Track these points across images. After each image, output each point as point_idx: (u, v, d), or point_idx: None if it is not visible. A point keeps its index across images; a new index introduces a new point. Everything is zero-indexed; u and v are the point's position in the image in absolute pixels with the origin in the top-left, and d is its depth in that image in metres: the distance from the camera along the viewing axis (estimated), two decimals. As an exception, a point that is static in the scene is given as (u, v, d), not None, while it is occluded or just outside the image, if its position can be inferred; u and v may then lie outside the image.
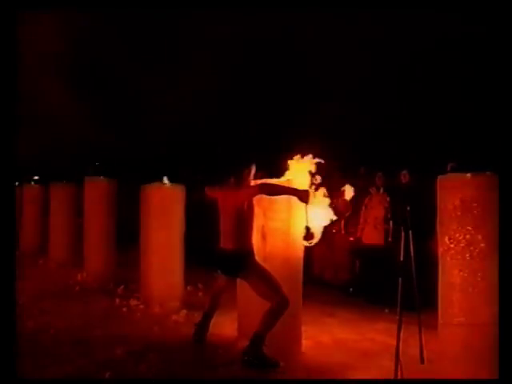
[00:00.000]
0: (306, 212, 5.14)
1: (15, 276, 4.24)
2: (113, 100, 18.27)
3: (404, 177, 8.32)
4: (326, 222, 5.34)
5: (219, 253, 5.43)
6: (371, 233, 8.30)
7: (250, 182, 5.43)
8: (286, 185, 5.33)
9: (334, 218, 5.36)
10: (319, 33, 14.75)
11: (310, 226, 5.16)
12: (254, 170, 5.48)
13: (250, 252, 5.26)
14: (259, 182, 5.46)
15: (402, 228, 5.01)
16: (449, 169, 7.65)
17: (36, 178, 13.29)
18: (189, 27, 15.91)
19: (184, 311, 6.85)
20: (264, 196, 5.24)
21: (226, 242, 5.33)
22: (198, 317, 5.90)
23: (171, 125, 17.09)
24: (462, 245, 4.19)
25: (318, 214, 5.29)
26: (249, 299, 5.36)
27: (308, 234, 5.17)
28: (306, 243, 5.30)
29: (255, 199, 5.33)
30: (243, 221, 5.22)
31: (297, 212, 5.42)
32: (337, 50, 14.58)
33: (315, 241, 5.27)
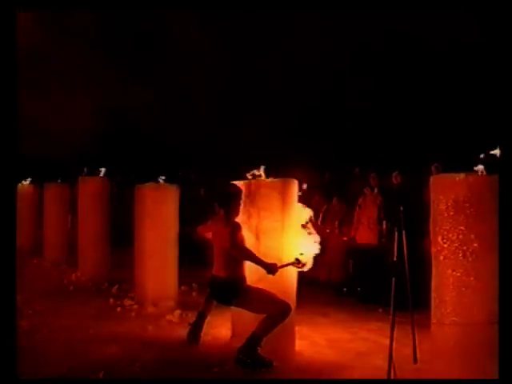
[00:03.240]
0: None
1: (15, 277, 4.22)
2: (109, 99, 18.23)
3: (395, 178, 8.34)
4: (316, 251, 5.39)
5: (212, 280, 5.45)
6: (365, 233, 8.30)
7: (238, 212, 5.43)
8: (279, 184, 5.38)
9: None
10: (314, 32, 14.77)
11: (303, 252, 5.24)
12: (241, 199, 5.47)
13: (241, 280, 5.27)
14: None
15: (396, 228, 5.02)
16: (433, 170, 7.70)
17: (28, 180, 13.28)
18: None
19: (178, 311, 6.83)
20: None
21: (218, 270, 5.35)
22: (192, 317, 5.90)
23: (166, 124, 17.08)
24: (455, 245, 4.19)
25: (310, 243, 5.36)
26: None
27: (298, 262, 5.25)
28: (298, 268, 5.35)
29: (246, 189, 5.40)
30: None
31: (291, 212, 5.44)
32: (331, 50, 14.59)
33: (306, 268, 5.32)
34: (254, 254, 5.16)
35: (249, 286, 5.25)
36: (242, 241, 5.23)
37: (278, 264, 5.17)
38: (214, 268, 5.41)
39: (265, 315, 5.05)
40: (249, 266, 5.30)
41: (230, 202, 5.40)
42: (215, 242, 5.43)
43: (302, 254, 5.27)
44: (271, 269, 5.11)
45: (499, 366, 3.79)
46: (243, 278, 5.28)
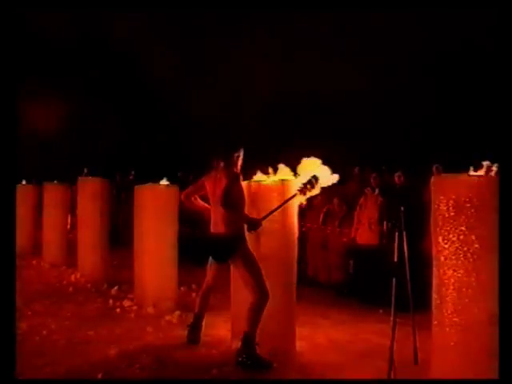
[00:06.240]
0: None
1: (14, 277, 4.24)
2: (104, 99, 18.32)
3: (399, 178, 8.34)
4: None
5: (210, 238, 5.43)
6: (365, 233, 8.31)
7: (239, 166, 5.45)
8: (279, 185, 5.41)
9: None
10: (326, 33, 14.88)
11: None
12: (242, 153, 5.48)
13: (241, 236, 5.26)
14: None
15: (396, 228, 5.02)
16: (434, 170, 7.72)
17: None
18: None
19: (178, 312, 6.83)
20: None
21: (217, 228, 5.33)
22: (191, 318, 5.90)
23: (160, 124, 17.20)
24: (455, 245, 4.18)
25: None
26: (242, 299, 5.35)
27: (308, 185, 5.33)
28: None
29: (246, 190, 5.40)
30: (234, 206, 5.23)
31: (292, 213, 5.45)
32: (337, 52, 14.70)
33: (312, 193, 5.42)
34: (241, 210, 5.22)
35: (248, 248, 5.25)
36: (239, 193, 5.25)
37: (263, 215, 5.23)
38: (212, 227, 5.38)
39: (246, 312, 5.06)
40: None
41: (229, 153, 5.41)
42: (213, 198, 5.41)
43: (312, 179, 5.36)
44: (254, 225, 5.16)
45: (499, 365, 3.80)
46: (243, 236, 5.27)
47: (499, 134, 4.18)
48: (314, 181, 5.36)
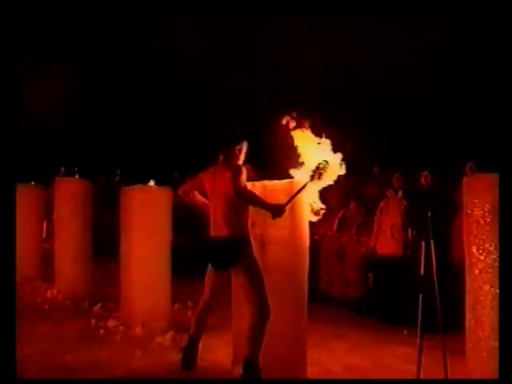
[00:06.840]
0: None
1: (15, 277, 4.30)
2: (90, 95, 18.45)
3: (425, 178, 8.31)
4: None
5: (211, 242, 5.42)
6: (387, 242, 8.28)
7: (241, 161, 5.47)
8: (286, 186, 5.40)
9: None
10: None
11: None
12: (245, 147, 5.51)
13: (246, 240, 5.25)
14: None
15: (423, 237, 4.99)
16: (468, 169, 7.71)
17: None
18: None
19: (171, 333, 6.84)
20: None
21: (218, 230, 5.31)
22: (186, 340, 5.87)
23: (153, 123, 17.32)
24: (492, 256, 4.17)
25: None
26: (245, 319, 5.33)
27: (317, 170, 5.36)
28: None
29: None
30: (237, 204, 5.22)
31: (301, 219, 5.43)
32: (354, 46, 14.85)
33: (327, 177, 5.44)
34: (259, 197, 5.22)
35: (253, 256, 5.23)
36: (244, 186, 5.25)
37: (285, 201, 5.20)
38: (213, 229, 5.38)
39: (246, 334, 5.03)
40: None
41: (229, 145, 5.44)
42: (212, 194, 5.43)
43: (322, 163, 5.39)
44: (278, 211, 5.13)
45: (499, 365, 3.79)
46: (248, 240, 5.26)
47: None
48: (324, 165, 5.37)
